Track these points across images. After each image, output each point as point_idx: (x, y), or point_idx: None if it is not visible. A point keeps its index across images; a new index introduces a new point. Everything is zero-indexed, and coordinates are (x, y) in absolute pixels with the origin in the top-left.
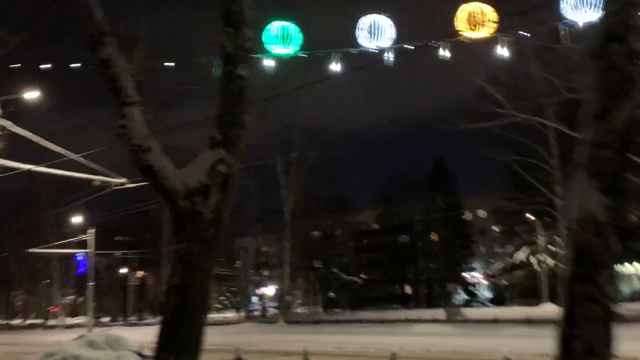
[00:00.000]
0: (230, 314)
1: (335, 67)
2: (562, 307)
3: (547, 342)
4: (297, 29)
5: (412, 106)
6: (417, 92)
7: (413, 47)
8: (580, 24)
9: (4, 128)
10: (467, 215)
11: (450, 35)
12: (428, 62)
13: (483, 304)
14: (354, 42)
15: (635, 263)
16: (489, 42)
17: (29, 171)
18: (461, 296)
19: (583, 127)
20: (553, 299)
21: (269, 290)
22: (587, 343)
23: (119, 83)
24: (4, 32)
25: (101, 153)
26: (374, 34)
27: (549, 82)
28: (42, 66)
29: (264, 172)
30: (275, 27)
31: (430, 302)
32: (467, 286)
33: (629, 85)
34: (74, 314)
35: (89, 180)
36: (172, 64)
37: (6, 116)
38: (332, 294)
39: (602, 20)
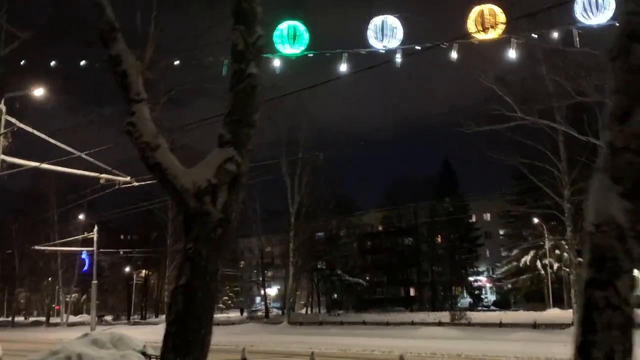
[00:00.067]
0: (233, 314)
1: (344, 67)
2: (577, 313)
3: (553, 346)
4: (305, 28)
5: (420, 107)
6: (425, 93)
7: (420, 48)
8: (594, 25)
9: (10, 125)
10: (473, 218)
11: (461, 36)
12: (437, 64)
13: (487, 308)
14: (362, 42)
15: None
16: (499, 44)
17: (33, 169)
18: (466, 299)
19: (603, 130)
20: (558, 303)
21: (272, 290)
22: (606, 350)
23: (129, 80)
24: (14, 28)
25: (106, 152)
26: (385, 34)
27: (559, 85)
28: (52, 63)
29: (268, 172)
30: (284, 26)
31: (435, 305)
32: (472, 289)
33: None
34: (76, 312)
35: (96, 179)
36: (177, 62)
37: (13, 113)
38: (336, 296)
39: (622, 20)
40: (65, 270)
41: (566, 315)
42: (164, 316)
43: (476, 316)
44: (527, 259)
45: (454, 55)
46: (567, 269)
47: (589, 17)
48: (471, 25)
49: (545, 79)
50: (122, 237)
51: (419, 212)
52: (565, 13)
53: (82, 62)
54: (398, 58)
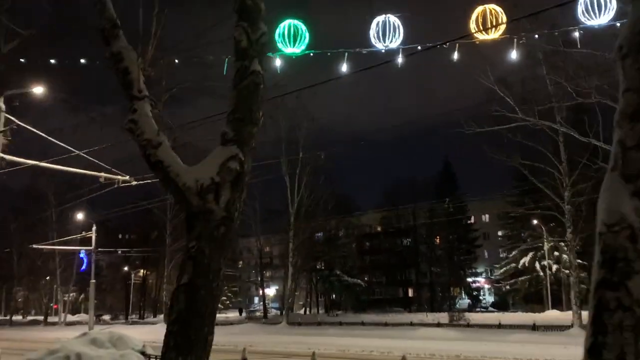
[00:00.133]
0: (231, 314)
1: (344, 66)
2: (589, 315)
3: (552, 348)
4: (305, 27)
5: (420, 107)
6: (426, 93)
7: (421, 48)
8: (596, 26)
9: (10, 122)
10: (472, 219)
11: (462, 37)
12: (438, 64)
13: (486, 309)
14: (363, 42)
15: None
16: (500, 45)
17: (32, 167)
18: (464, 300)
19: (615, 129)
20: (557, 305)
21: (271, 291)
22: (617, 352)
23: (130, 77)
24: (15, 26)
25: (105, 151)
26: (386, 34)
27: (559, 86)
28: (52, 61)
29: (269, 171)
30: (285, 25)
31: (433, 306)
32: (470, 290)
33: None
34: (74, 311)
35: (95, 177)
36: (177, 60)
37: (13, 111)
38: (334, 296)
39: (632, 17)
40: (64, 270)
41: (565, 317)
42: (162, 316)
43: (475, 317)
44: (525, 260)
45: (455, 55)
46: (566, 271)
47: (591, 18)
48: (472, 25)
49: (545, 80)
50: (120, 236)
51: (418, 213)
52: (567, 14)
53: (83, 61)
54: (399, 58)
